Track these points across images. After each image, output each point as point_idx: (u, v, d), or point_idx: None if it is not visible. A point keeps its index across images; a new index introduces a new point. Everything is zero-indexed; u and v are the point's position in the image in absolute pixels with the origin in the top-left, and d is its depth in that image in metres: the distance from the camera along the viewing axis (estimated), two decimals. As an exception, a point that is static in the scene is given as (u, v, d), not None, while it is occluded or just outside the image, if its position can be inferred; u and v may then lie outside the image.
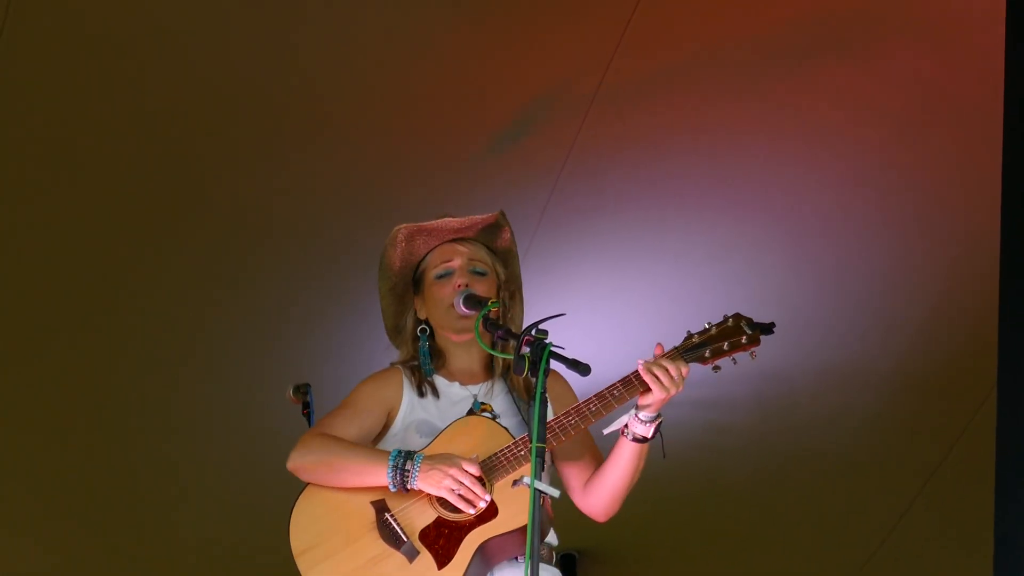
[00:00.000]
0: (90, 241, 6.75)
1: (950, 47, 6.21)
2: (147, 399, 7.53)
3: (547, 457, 4.29)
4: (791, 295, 7.34)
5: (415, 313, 4.58)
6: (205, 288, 7.03)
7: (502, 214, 4.62)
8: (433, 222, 4.57)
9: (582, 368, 4.09)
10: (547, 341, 4.10)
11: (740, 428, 7.86)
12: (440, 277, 4.53)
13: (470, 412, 4.47)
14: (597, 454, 4.48)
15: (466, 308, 4.45)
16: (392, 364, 4.59)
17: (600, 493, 4.45)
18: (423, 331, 4.55)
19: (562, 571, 4.39)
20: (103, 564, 8.36)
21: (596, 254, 7.02)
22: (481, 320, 4.35)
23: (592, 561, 8.45)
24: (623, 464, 4.36)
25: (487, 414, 4.46)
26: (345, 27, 6.03)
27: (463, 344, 4.55)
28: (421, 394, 4.48)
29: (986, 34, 5.92)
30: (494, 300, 4.42)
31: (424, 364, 4.52)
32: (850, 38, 6.22)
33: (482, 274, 4.54)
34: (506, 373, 4.54)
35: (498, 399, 4.52)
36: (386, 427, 4.48)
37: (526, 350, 4.11)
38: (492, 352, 4.42)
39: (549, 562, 4.34)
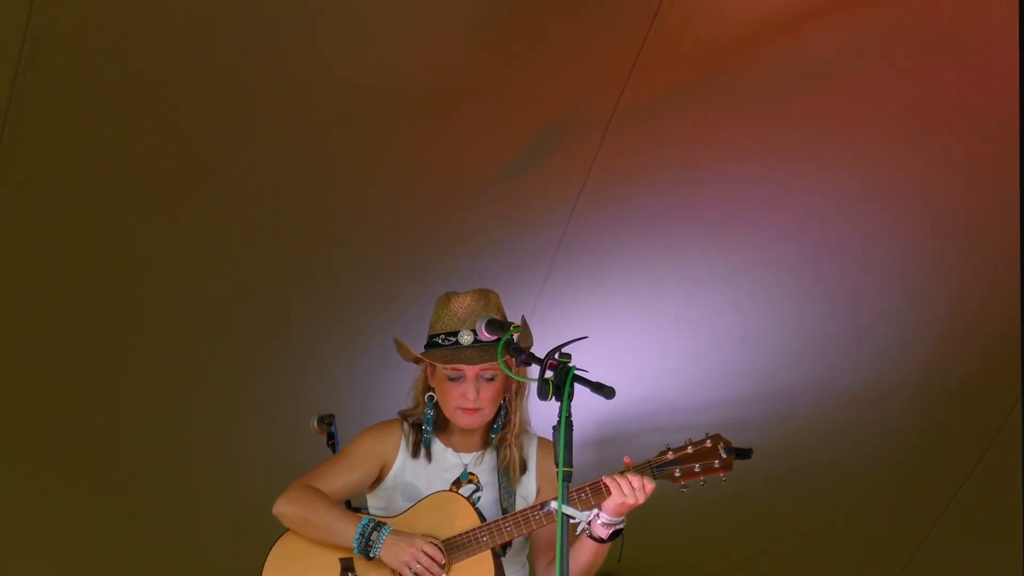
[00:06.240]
0: (107, 254, 6.68)
1: (966, 57, 6.20)
2: (160, 427, 7.48)
3: (516, 541, 4.53)
4: (809, 315, 7.32)
5: (427, 377, 4.70)
6: (226, 314, 7.00)
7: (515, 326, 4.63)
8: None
9: (607, 391, 4.12)
10: (570, 364, 4.11)
11: (758, 447, 7.81)
12: (452, 379, 4.63)
13: (456, 481, 4.63)
14: None
15: (488, 333, 4.48)
16: (399, 412, 4.74)
17: None
18: (430, 398, 4.68)
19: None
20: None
21: (615, 277, 7.00)
22: (504, 345, 4.39)
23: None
24: (580, 557, 4.51)
25: (472, 485, 4.64)
26: (360, 50, 6.03)
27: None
28: (415, 455, 4.65)
29: (1001, 43, 5.91)
30: (516, 325, 4.45)
31: (426, 431, 4.67)
32: (865, 52, 6.21)
33: (491, 380, 4.63)
34: (499, 445, 4.65)
35: (485, 471, 4.66)
36: (380, 478, 4.68)
37: (550, 374, 4.12)
38: (514, 376, 4.53)
39: None
